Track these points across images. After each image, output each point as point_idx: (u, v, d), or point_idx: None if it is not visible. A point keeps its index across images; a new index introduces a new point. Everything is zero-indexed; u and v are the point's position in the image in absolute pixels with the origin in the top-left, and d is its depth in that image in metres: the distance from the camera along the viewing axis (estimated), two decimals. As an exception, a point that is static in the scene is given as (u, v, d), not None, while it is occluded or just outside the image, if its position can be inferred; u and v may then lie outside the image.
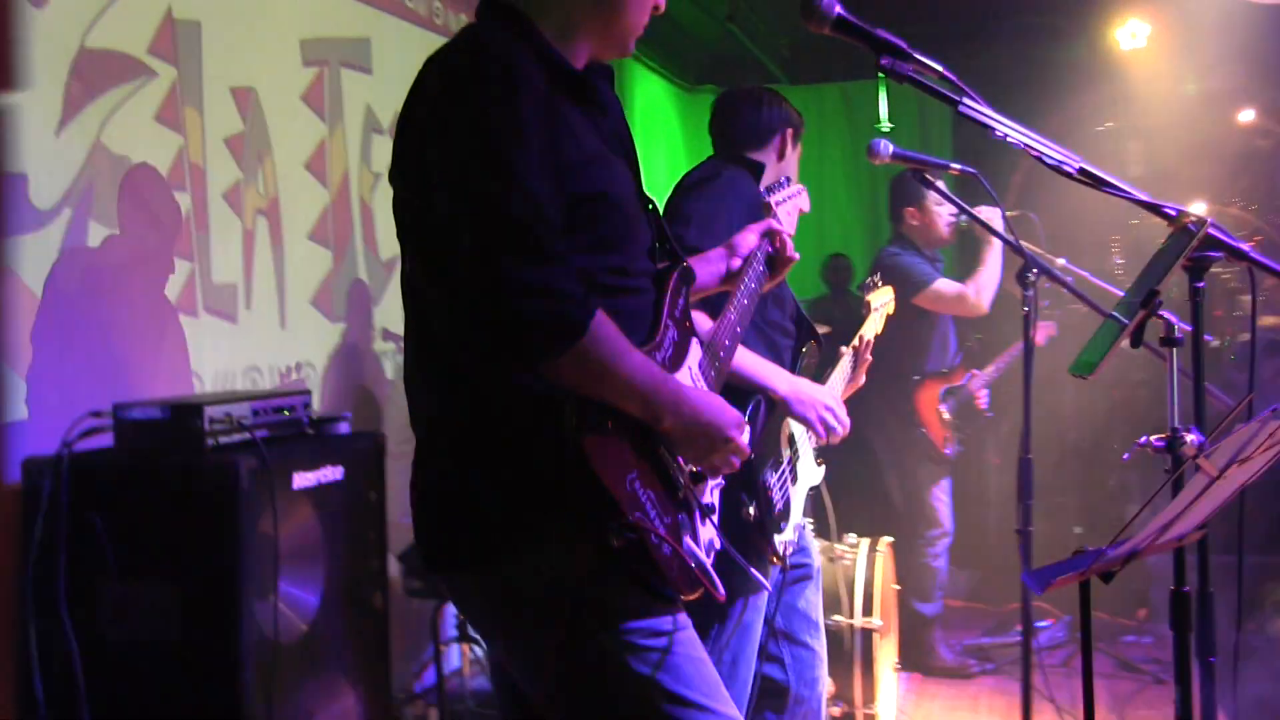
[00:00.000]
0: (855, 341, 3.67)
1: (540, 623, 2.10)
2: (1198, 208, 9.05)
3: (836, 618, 4.35)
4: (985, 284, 5.30)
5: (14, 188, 3.24)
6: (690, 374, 2.27)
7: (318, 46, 4.59)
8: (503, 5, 2.23)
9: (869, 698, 4.33)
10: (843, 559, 4.47)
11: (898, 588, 4.92)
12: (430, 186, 2.03)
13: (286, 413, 3.33)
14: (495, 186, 1.96)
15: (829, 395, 3.36)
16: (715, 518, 2.28)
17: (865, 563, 4.45)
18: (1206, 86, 8.87)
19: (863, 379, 3.68)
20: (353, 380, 4.63)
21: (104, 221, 3.52)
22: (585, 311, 1.97)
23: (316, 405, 4.47)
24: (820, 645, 3.67)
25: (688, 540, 2.13)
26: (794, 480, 3.38)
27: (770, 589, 2.28)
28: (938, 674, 5.45)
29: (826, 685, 3.76)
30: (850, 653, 4.32)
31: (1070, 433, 5.90)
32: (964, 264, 9.07)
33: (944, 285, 5.34)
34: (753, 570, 2.32)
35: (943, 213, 5.37)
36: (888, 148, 3.15)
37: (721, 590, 2.15)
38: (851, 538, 4.61)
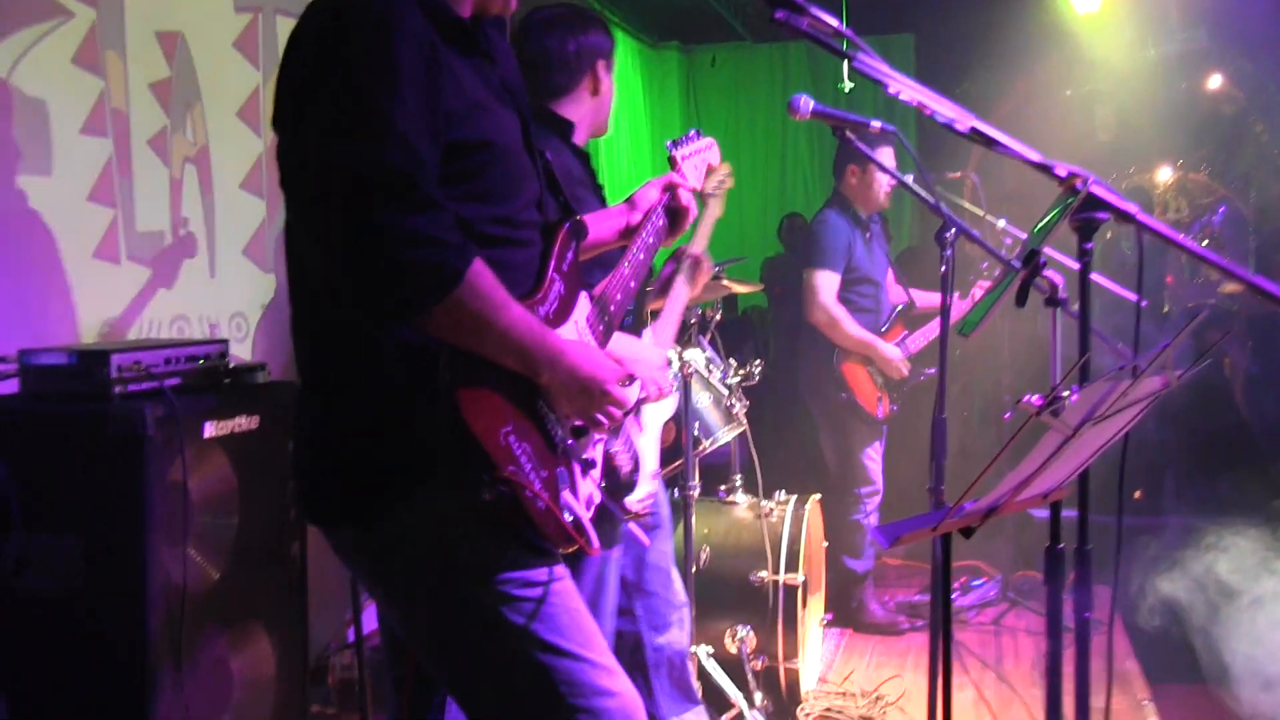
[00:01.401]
0: (681, 254, 3.52)
1: (416, 576, 2.10)
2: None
3: (761, 574, 4.36)
4: (840, 317, 5.32)
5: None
6: (576, 328, 2.27)
7: (253, -8, 4.54)
8: None
9: (791, 652, 4.36)
10: (769, 516, 4.49)
11: (826, 544, 4.95)
12: (305, 133, 2.01)
13: (201, 361, 3.30)
14: (368, 132, 1.93)
15: (655, 354, 3.28)
16: (597, 473, 2.28)
17: (791, 519, 4.47)
18: (1168, 51, 8.87)
19: (701, 285, 3.54)
20: (288, 331, 4.59)
21: (13, 165, 3.47)
22: (462, 260, 1.95)
23: (250, 357, 4.45)
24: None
25: (565, 494, 2.13)
26: (641, 430, 3.31)
27: (597, 551, 2.24)
28: (868, 630, 5.48)
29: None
30: (773, 608, 4.34)
31: (1006, 393, 5.93)
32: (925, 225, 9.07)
33: (822, 280, 5.34)
34: (627, 524, 2.32)
35: (882, 176, 5.37)
36: (808, 104, 3.12)
37: (596, 544, 2.15)
38: (780, 494, 4.63)
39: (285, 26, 4.62)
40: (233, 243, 4.44)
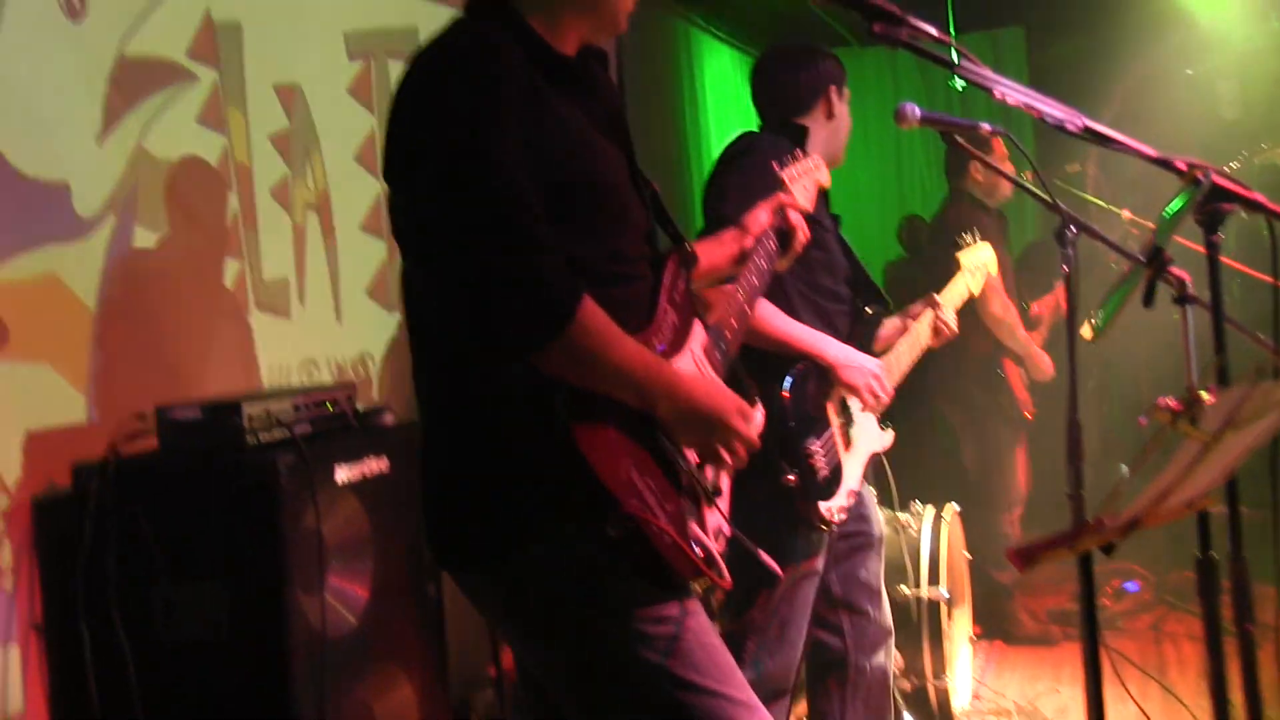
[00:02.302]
0: (934, 301, 3.60)
1: (546, 615, 2.10)
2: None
3: (902, 589, 4.29)
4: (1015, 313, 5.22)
5: (57, 197, 3.29)
6: (693, 358, 2.25)
7: (363, 39, 4.61)
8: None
9: (939, 669, 4.27)
10: (907, 528, 4.41)
11: (969, 556, 4.84)
12: (414, 182, 2.03)
13: (330, 407, 3.35)
14: (475, 176, 1.95)
15: (876, 364, 3.33)
16: (724, 503, 2.25)
17: (930, 532, 4.38)
18: (1293, 21, 8.56)
19: (936, 339, 3.64)
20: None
21: (150, 225, 3.57)
22: (572, 298, 1.95)
23: (376, 396, 4.51)
24: (883, 614, 3.62)
25: (692, 527, 2.11)
26: (847, 445, 3.34)
27: (780, 573, 2.25)
28: (1020, 642, 5.35)
29: (893, 655, 3.71)
30: (918, 624, 4.26)
31: (1146, 388, 5.76)
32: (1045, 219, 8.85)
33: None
34: (763, 555, 2.29)
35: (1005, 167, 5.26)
36: (915, 111, 3.06)
37: (727, 577, 2.12)
38: (916, 506, 4.54)
39: (396, 69, 4.68)
40: (356, 284, 4.51)
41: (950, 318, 3.67)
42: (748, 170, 3.27)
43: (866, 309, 3.51)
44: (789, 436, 3.16)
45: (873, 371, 3.31)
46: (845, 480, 3.29)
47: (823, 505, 3.21)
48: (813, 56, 3.58)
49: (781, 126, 3.52)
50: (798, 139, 3.45)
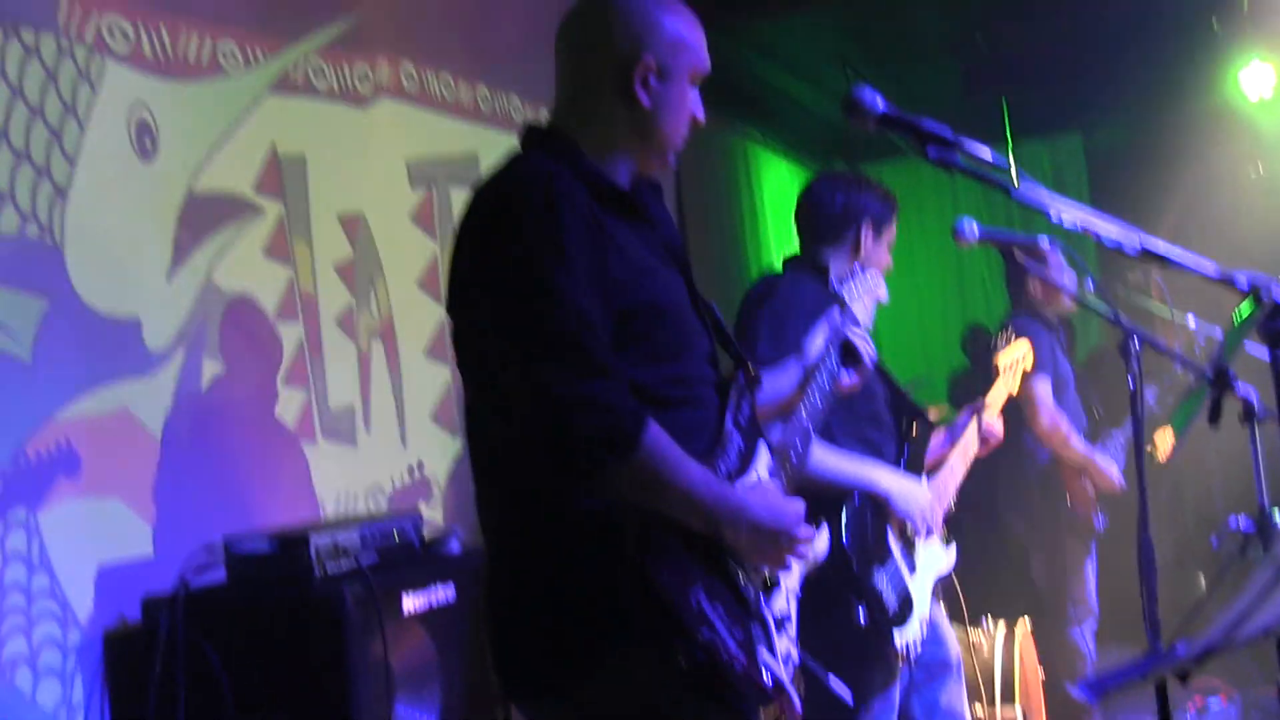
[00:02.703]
0: (978, 407, 3.62)
1: (619, 746, 2.09)
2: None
3: (976, 709, 4.22)
4: (1067, 428, 5.17)
5: (128, 332, 3.39)
6: (759, 479, 2.26)
7: (425, 168, 4.73)
8: (543, 129, 2.29)
9: (1018, 789, 4.19)
10: (978, 646, 4.35)
11: (1043, 675, 4.75)
12: (479, 312, 2.09)
13: (396, 535, 3.38)
14: (539, 303, 2.00)
15: (927, 489, 3.33)
16: (792, 628, 2.25)
17: (1002, 648, 4.32)
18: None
19: (984, 447, 3.62)
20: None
21: (218, 358, 3.66)
22: (637, 424, 1.98)
23: (441, 519, 4.55)
24: None
25: (762, 653, 2.11)
26: (912, 571, 3.32)
27: (849, 700, 2.24)
28: (1100, 759, 5.23)
29: None
30: (994, 745, 4.19)
31: (1219, 499, 5.66)
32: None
33: (1042, 388, 5.18)
34: (833, 682, 2.28)
35: (1065, 281, 5.25)
36: (973, 230, 3.11)
37: (799, 705, 2.12)
38: (988, 624, 4.49)
39: (458, 196, 4.79)
40: (421, 409, 4.57)
41: (996, 422, 3.66)
42: (770, 315, 3.27)
43: (911, 428, 3.49)
44: (850, 572, 3.15)
45: (926, 496, 3.32)
46: (916, 607, 3.27)
47: (897, 637, 3.18)
48: (853, 186, 3.55)
49: (800, 262, 3.52)
50: (819, 273, 3.44)
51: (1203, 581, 5.94)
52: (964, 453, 3.58)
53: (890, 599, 3.20)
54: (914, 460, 3.45)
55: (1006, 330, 4.16)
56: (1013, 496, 5.36)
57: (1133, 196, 7.91)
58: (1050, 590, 5.33)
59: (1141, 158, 8.41)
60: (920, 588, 3.33)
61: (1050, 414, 5.09)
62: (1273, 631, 1.95)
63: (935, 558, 3.44)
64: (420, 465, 4.49)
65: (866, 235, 3.51)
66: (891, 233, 3.60)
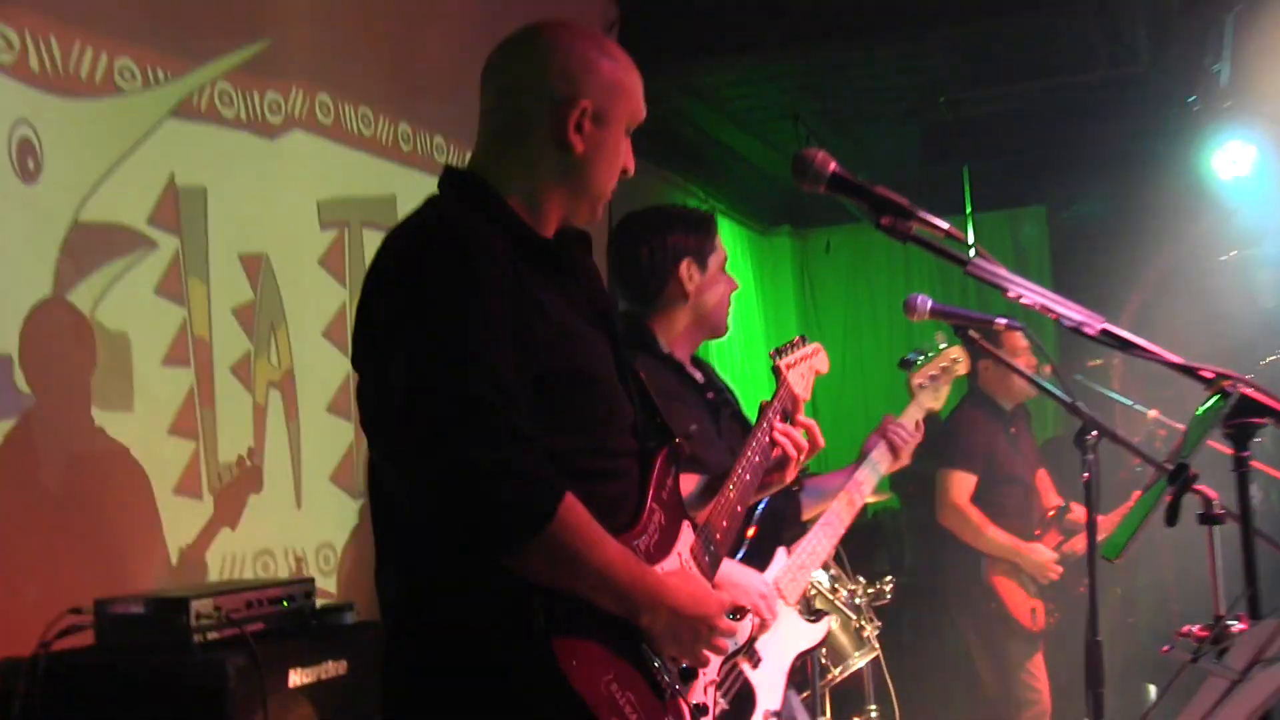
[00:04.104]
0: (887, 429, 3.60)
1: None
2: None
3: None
4: (976, 519, 5.29)
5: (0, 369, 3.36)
6: (680, 560, 2.28)
7: (337, 208, 4.73)
8: (464, 175, 2.31)
9: None
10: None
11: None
12: (387, 369, 2.08)
13: (285, 604, 3.36)
14: (452, 363, 2.01)
15: (760, 581, 3.24)
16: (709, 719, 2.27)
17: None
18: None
19: (907, 459, 3.61)
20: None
21: (99, 403, 3.62)
22: (553, 495, 2.00)
23: (336, 590, 4.51)
24: None
25: (675, 747, 2.12)
26: (754, 664, 3.24)
27: None
28: None
29: None
30: None
31: (1177, 605, 5.75)
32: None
33: (955, 481, 5.31)
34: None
35: (1019, 364, 5.35)
36: (925, 304, 3.17)
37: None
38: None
39: (372, 240, 4.80)
40: (319, 470, 4.55)
41: (907, 427, 3.64)
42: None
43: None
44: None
45: (754, 591, 3.18)
46: (760, 703, 3.20)
47: None
48: (658, 228, 3.34)
49: (626, 323, 3.17)
50: (646, 344, 3.30)
51: (1153, 693, 6.01)
52: (852, 499, 3.53)
53: (713, 706, 3.10)
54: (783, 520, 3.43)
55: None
56: (955, 591, 5.44)
57: (1098, 275, 8.06)
58: (994, 691, 5.41)
59: (1109, 235, 8.58)
60: (767, 679, 3.26)
61: (953, 507, 5.24)
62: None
63: (793, 634, 3.38)
64: (316, 529, 4.46)
65: (691, 274, 3.34)
66: (720, 253, 3.44)
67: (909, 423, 3.68)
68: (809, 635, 3.43)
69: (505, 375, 2.03)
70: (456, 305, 2.04)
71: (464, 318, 2.03)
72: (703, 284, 3.34)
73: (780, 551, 3.37)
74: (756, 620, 3.14)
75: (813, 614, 3.52)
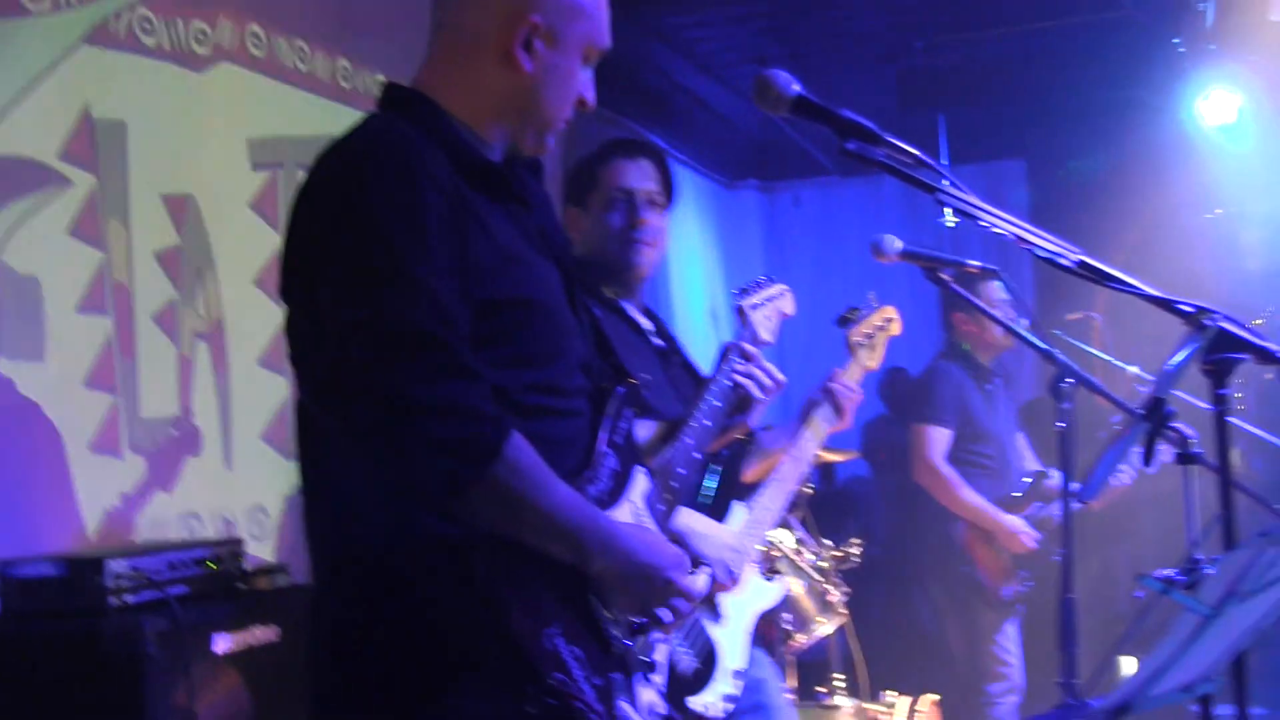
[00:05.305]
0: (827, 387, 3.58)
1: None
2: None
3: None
4: (950, 477, 5.33)
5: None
6: (633, 508, 2.27)
7: (270, 147, 4.67)
8: (406, 91, 2.27)
9: None
10: (876, 720, 4.41)
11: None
12: (320, 296, 2.05)
13: (211, 565, 3.33)
14: (389, 289, 1.97)
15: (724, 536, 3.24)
16: (662, 678, 2.26)
17: (901, 725, 4.39)
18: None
19: (850, 420, 3.60)
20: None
21: (8, 352, 3.57)
22: (498, 433, 1.97)
23: (271, 554, 4.48)
24: None
25: (622, 705, 2.11)
26: (717, 618, 3.27)
27: None
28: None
29: None
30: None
31: (1153, 565, 5.79)
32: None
33: (931, 435, 5.34)
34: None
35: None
36: (894, 245, 3.16)
37: (661, 762, 2.12)
38: (889, 696, 4.55)
39: (307, 182, 4.73)
40: (251, 427, 4.51)
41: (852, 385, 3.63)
42: None
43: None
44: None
45: (724, 545, 3.18)
46: (722, 662, 3.21)
47: (695, 702, 3.12)
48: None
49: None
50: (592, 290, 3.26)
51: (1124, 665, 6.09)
52: (797, 459, 3.51)
53: (685, 662, 3.15)
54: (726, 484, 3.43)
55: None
56: (925, 556, 5.47)
57: (1079, 229, 8.07)
58: (964, 660, 5.44)
59: (1090, 187, 8.60)
60: (730, 636, 3.28)
61: (928, 464, 5.27)
62: (1192, 688, 2.00)
63: (752, 596, 3.40)
64: (248, 490, 4.42)
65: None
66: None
67: (852, 381, 3.66)
68: (768, 594, 3.45)
69: (448, 302, 1.99)
70: (393, 226, 2.00)
71: (401, 240, 1.99)
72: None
73: (737, 506, 3.37)
74: (726, 578, 3.13)
75: (771, 574, 3.53)
